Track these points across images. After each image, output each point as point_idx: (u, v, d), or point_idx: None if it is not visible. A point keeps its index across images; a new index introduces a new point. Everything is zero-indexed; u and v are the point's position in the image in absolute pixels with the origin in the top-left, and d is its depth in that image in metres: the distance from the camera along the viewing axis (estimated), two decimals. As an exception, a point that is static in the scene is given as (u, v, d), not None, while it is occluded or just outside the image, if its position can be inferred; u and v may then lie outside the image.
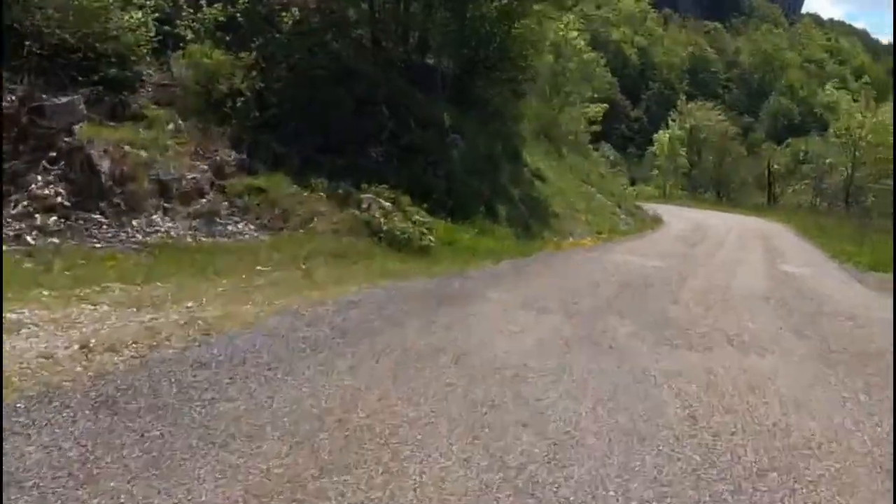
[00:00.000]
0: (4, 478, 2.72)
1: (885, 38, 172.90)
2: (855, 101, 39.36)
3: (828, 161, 40.08)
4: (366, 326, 5.51)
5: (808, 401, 4.50)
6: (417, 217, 11.89)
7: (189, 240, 9.57)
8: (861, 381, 5.06)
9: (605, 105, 38.57)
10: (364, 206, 11.62)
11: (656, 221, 26.07)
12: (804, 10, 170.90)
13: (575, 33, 33.39)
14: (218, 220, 10.28)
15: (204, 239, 9.68)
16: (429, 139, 15.10)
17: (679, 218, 28.57)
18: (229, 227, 10.27)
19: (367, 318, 5.82)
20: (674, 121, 56.80)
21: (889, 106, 38.81)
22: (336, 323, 5.54)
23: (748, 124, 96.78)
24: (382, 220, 11.24)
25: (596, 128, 37.76)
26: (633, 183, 61.55)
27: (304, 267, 8.65)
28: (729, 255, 15.59)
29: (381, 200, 11.84)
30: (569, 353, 5.19)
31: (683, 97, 63.42)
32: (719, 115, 58.16)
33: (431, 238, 11.42)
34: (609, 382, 4.54)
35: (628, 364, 5.00)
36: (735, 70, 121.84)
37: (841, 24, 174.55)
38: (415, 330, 5.53)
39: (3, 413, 3.27)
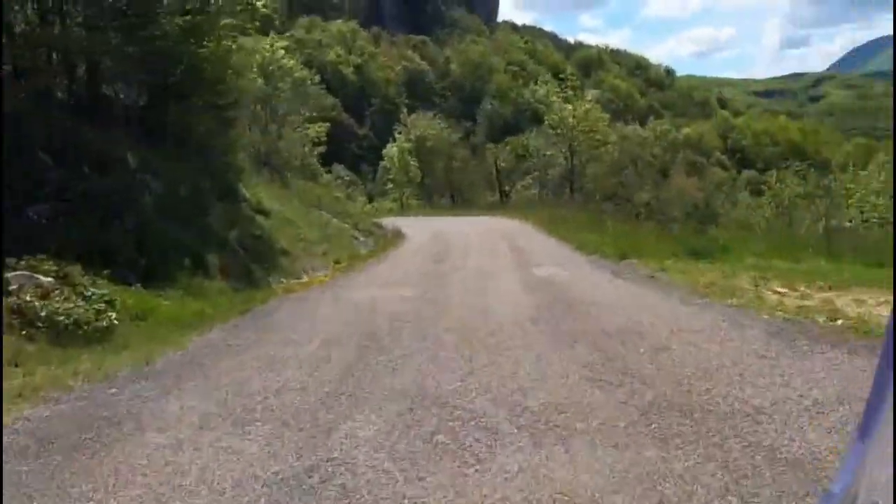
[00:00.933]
0: None
1: (572, 38, 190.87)
2: (561, 91, 41.25)
3: (547, 153, 41.61)
4: None
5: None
6: (94, 290, 9.04)
7: None
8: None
9: (327, 124, 36.89)
10: (13, 287, 8.58)
11: (398, 237, 24.67)
12: (500, 18, 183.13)
13: (282, 52, 31.37)
14: None
15: None
16: (110, 186, 12.15)
17: (420, 229, 27.47)
18: None
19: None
20: (400, 133, 56.91)
21: (593, 94, 41.24)
22: None
23: (469, 129, 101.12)
24: (39, 303, 8.30)
25: (321, 149, 35.98)
26: (371, 200, 61.22)
27: None
28: (478, 265, 14.31)
29: (38, 276, 8.86)
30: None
31: (405, 110, 64.02)
32: (440, 123, 59.53)
33: (114, 315, 8.65)
34: None
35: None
36: (448, 79, 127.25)
37: (533, 28, 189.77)
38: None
39: None
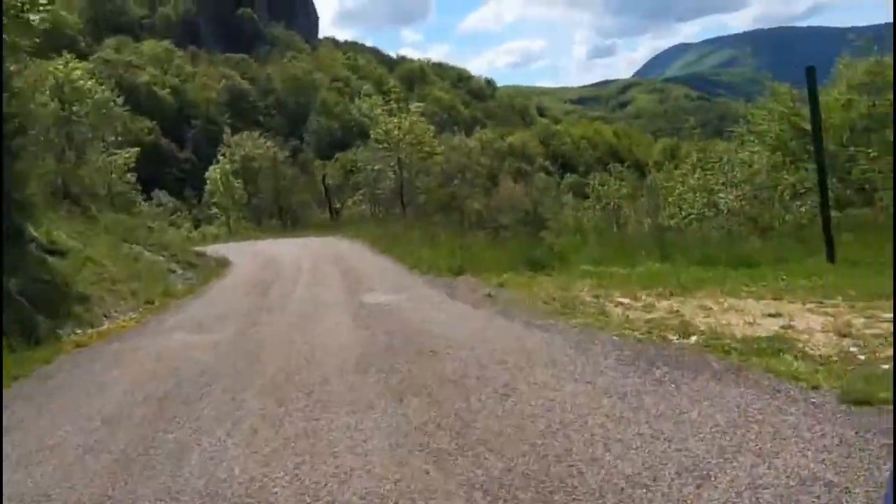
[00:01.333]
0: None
1: (395, 53, 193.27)
2: (384, 104, 40.55)
3: (376, 168, 40.83)
4: None
5: None
6: None
7: None
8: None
9: (136, 149, 34.20)
10: None
11: (223, 266, 22.87)
12: (321, 35, 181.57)
13: (79, 72, 28.65)
14: None
15: None
16: None
17: (248, 255, 25.80)
18: None
19: None
20: (224, 155, 54.26)
21: (417, 106, 40.88)
22: None
23: (297, 147, 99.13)
24: None
25: (131, 176, 33.28)
26: (198, 226, 58.36)
27: None
28: (306, 295, 13.15)
29: None
30: None
31: (228, 130, 61.39)
32: (266, 142, 57.70)
33: None
34: None
35: None
36: (272, 97, 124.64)
37: (354, 44, 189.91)
38: None
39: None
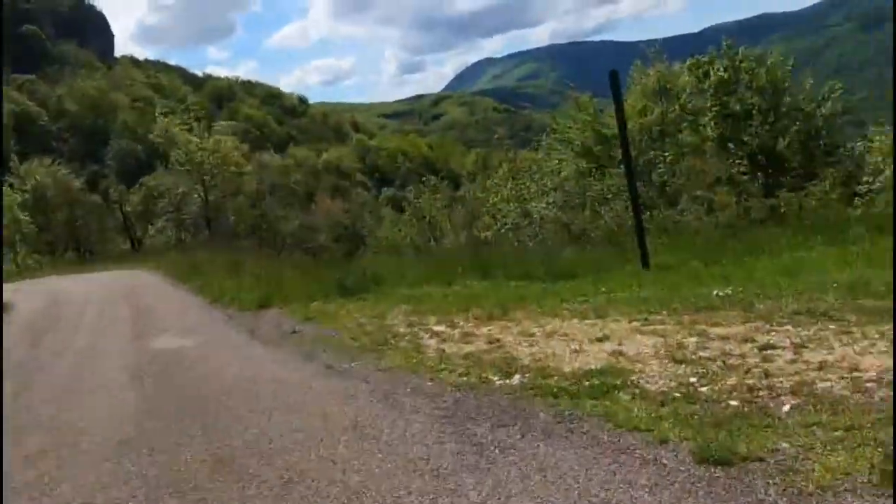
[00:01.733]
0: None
1: (200, 71, 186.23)
2: (184, 123, 38.18)
3: (180, 191, 38.34)
4: None
5: None
6: None
7: None
8: None
9: None
10: None
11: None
12: (118, 53, 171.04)
13: None
14: None
15: None
16: None
17: (31, 295, 22.82)
18: None
19: None
20: (11, 186, 48.89)
21: (223, 124, 38.89)
22: None
23: (97, 172, 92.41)
24: None
25: None
26: (-22, 267, 52.41)
27: None
28: (86, 343, 11.36)
29: None
30: None
31: (15, 158, 55.61)
32: (61, 169, 52.83)
33: None
34: None
35: None
36: (65, 120, 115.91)
37: (157, 62, 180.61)
38: None
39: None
